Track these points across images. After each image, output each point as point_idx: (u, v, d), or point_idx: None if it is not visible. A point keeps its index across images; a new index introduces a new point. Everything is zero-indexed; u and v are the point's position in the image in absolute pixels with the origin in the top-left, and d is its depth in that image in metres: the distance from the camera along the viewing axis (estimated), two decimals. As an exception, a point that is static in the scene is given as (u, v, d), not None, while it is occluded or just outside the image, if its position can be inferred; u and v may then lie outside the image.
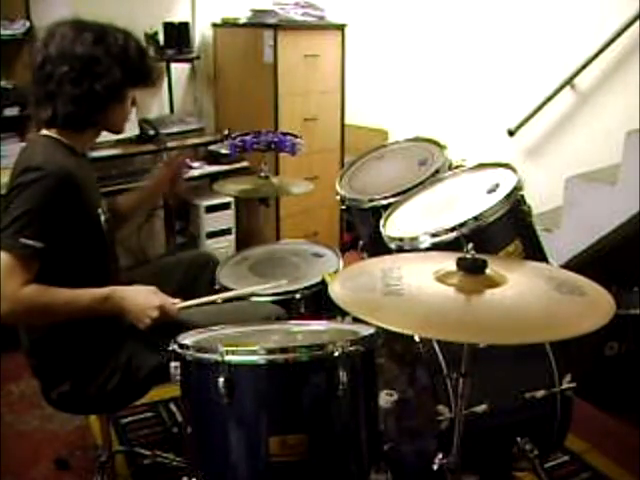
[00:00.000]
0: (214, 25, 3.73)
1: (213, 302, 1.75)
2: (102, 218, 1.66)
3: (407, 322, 1.16)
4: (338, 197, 2.17)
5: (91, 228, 1.61)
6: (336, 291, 1.27)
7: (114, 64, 1.56)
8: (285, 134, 2.59)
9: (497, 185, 1.77)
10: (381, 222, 1.86)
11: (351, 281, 1.37)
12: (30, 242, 1.43)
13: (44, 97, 1.56)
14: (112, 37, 1.58)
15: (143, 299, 1.56)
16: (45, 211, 1.46)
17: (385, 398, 1.64)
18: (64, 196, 1.49)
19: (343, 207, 2.16)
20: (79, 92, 1.54)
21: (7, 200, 1.48)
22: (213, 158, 3.51)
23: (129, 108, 1.69)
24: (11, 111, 2.88)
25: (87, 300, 1.52)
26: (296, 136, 2.58)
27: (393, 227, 1.84)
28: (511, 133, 3.35)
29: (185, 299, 1.68)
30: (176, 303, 1.61)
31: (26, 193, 1.45)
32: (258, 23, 3.49)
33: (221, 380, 1.22)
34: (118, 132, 1.72)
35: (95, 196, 1.69)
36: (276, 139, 2.54)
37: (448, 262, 1.30)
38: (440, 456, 1.49)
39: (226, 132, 3.34)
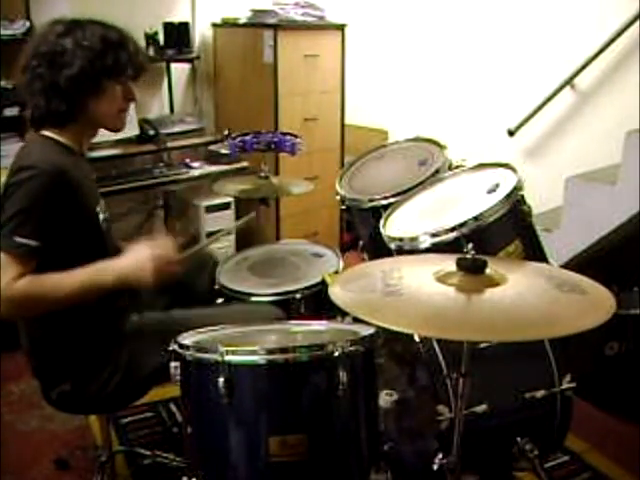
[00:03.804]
0: (214, 25, 3.73)
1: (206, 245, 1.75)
2: (100, 217, 1.65)
3: (407, 322, 1.16)
4: (338, 197, 2.17)
5: (88, 226, 1.61)
6: (336, 292, 1.27)
7: (77, 56, 1.52)
8: (285, 134, 2.59)
9: (497, 185, 1.77)
10: (381, 222, 1.86)
11: (351, 282, 1.37)
12: (25, 241, 1.42)
13: (27, 97, 1.57)
14: (80, 29, 1.54)
15: (135, 256, 1.54)
16: (39, 209, 1.45)
17: (385, 398, 1.64)
18: (58, 194, 1.48)
19: (343, 207, 2.16)
20: (42, 86, 1.53)
21: (3, 199, 1.47)
22: (213, 158, 3.51)
23: (119, 102, 1.63)
24: (11, 111, 2.88)
25: (80, 277, 1.48)
26: (296, 136, 2.58)
27: (393, 227, 1.84)
28: (511, 133, 3.35)
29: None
30: (170, 245, 1.59)
31: (20, 192, 1.45)
32: (258, 23, 3.49)
33: (221, 380, 1.22)
34: (114, 130, 1.67)
35: (93, 195, 1.67)
36: (276, 139, 2.54)
37: (448, 263, 1.30)
38: (440, 456, 1.49)
39: (226, 132, 3.34)
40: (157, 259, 1.54)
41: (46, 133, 1.59)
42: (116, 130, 1.68)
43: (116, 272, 1.52)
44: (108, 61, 1.55)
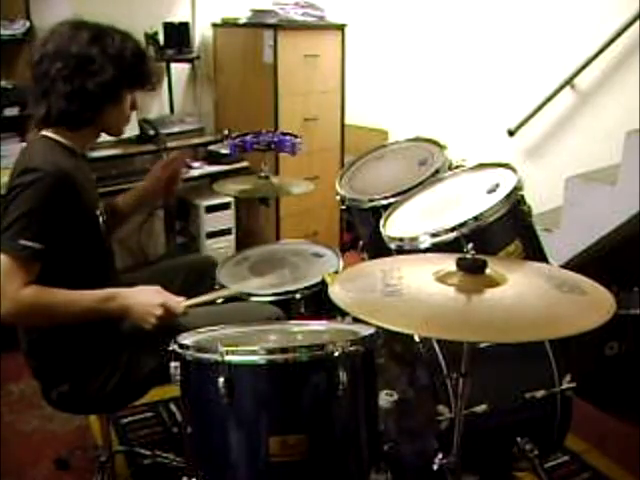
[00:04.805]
0: (214, 25, 3.73)
1: (215, 300, 1.76)
2: (100, 219, 1.66)
3: (407, 322, 1.16)
4: (338, 197, 2.17)
5: (89, 229, 1.61)
6: (336, 292, 1.27)
7: (108, 64, 1.56)
8: (285, 134, 2.59)
9: (497, 185, 1.77)
10: (381, 222, 1.86)
11: (351, 282, 1.37)
12: (29, 243, 1.43)
13: (40, 94, 1.57)
14: (109, 38, 1.58)
15: (146, 298, 1.55)
16: (44, 212, 1.46)
17: (385, 398, 1.64)
18: (62, 197, 1.49)
19: (343, 207, 2.16)
20: (70, 89, 1.54)
21: (6, 201, 1.48)
22: (213, 158, 3.51)
23: (128, 111, 1.68)
24: (11, 111, 2.88)
25: (88, 301, 1.51)
26: (296, 136, 2.58)
27: (393, 227, 1.84)
28: (511, 133, 3.35)
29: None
30: (180, 301, 1.59)
31: (24, 194, 1.45)
32: (258, 23, 3.49)
33: (221, 380, 1.22)
34: (116, 135, 1.72)
35: (94, 197, 1.68)
36: (276, 139, 2.54)
37: (448, 262, 1.30)
38: (440, 456, 1.49)
39: (226, 132, 3.34)
40: (165, 313, 1.54)
41: (48, 134, 1.59)
42: (117, 135, 1.73)
43: (123, 305, 1.54)
44: (134, 72, 1.62)
